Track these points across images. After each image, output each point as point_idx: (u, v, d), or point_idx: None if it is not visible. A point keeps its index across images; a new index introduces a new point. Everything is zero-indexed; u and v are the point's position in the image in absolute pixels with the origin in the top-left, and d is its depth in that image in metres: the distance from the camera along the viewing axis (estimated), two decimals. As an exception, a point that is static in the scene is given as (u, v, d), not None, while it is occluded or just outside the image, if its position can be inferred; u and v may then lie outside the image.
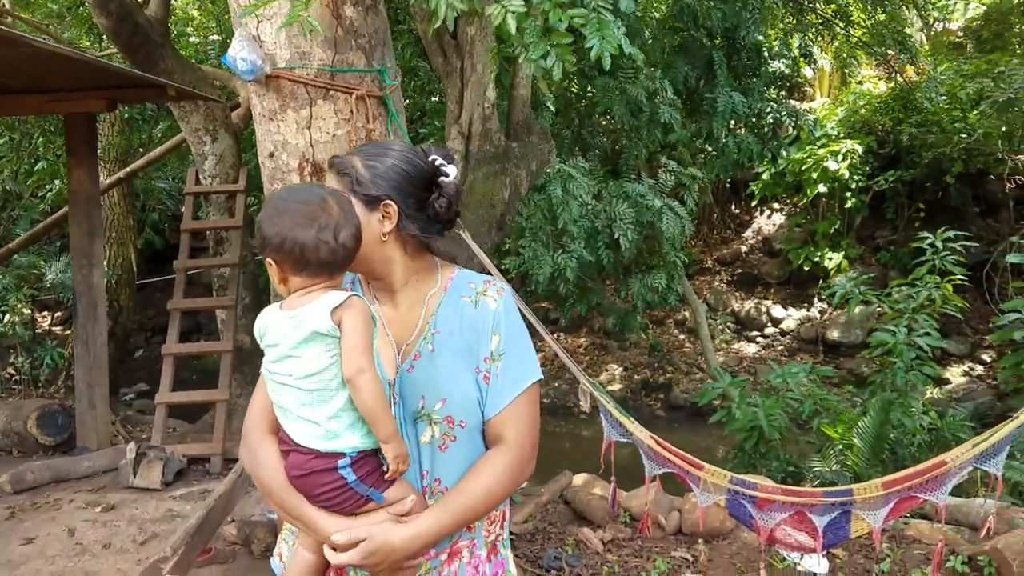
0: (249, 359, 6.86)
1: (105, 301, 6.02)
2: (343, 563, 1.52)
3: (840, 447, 6.35)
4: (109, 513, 4.80)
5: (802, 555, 3.85)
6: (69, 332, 10.66)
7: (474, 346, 1.66)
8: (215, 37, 10.99)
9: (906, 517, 4.78)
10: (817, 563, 3.79)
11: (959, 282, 6.50)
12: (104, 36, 8.42)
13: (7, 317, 9.09)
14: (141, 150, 10.23)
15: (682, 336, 13.50)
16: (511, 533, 4.62)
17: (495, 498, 1.63)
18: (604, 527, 4.73)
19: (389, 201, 1.65)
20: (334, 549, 1.54)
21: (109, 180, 8.56)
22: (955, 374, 11.70)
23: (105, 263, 8.48)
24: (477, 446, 1.67)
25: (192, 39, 11.19)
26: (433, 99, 8.78)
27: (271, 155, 4.39)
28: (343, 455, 1.53)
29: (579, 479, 5.26)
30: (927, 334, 6.33)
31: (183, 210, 6.99)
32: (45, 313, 14.15)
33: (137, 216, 11.42)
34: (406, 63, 8.11)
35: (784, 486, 3.93)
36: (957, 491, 5.84)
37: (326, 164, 1.72)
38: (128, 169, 8.75)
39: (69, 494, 5.11)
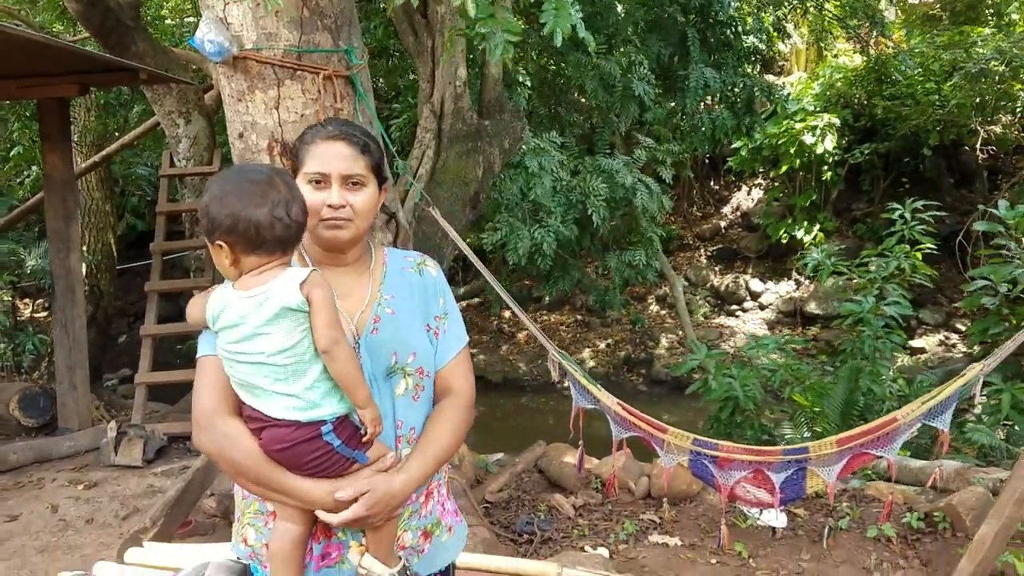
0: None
1: (83, 284, 6.08)
2: (347, 519, 1.59)
3: (811, 415, 6.50)
4: (91, 490, 4.90)
5: (761, 511, 4.00)
6: (51, 319, 10.69)
7: (424, 307, 1.83)
8: (191, 19, 10.95)
9: (868, 476, 4.94)
10: (775, 517, 3.94)
11: (932, 252, 6.62)
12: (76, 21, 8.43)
13: (-13, 304, 9.12)
14: (117, 134, 10.22)
15: (663, 312, 13.64)
16: (487, 502, 4.76)
17: (458, 441, 1.80)
18: (576, 493, 4.86)
19: (386, 184, 1.83)
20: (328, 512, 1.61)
21: (85, 164, 8.57)
22: (931, 343, 11.89)
23: (84, 249, 8.51)
24: (432, 395, 1.82)
25: (168, 21, 11.13)
26: (409, 76, 8.83)
27: (241, 136, 4.46)
28: (324, 423, 1.59)
29: (553, 449, 5.38)
30: (896, 303, 6.45)
31: (159, 193, 7.03)
32: (26, 300, 14.15)
33: (116, 202, 11.40)
34: (379, 43, 8.14)
35: (744, 446, 4.06)
36: (924, 454, 6.05)
37: (326, 133, 1.77)
38: (103, 153, 8.76)
39: (52, 473, 5.20)
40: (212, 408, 1.62)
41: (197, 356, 1.70)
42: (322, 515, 1.61)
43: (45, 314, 13.34)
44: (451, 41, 5.48)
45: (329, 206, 1.69)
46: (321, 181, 1.71)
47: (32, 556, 4.03)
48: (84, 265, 6.19)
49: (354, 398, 1.60)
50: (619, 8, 8.82)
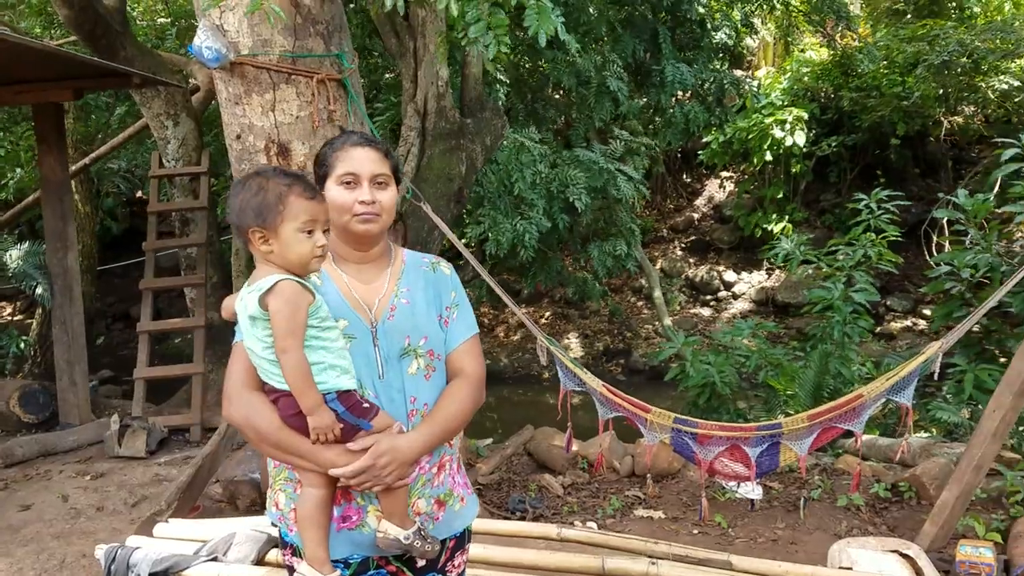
0: (220, 336, 7.09)
1: (79, 282, 6.23)
2: (356, 469, 1.78)
3: (784, 398, 6.77)
4: (99, 480, 5.07)
5: (739, 484, 4.26)
6: (31, 321, 10.72)
7: (437, 299, 2.06)
8: (163, 20, 11.00)
9: (836, 453, 5.23)
10: (752, 490, 4.20)
11: (898, 241, 6.90)
12: (62, 25, 8.53)
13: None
14: (100, 136, 10.32)
15: (639, 303, 13.91)
16: (479, 483, 4.99)
17: (465, 416, 2.01)
18: (564, 473, 5.11)
19: (400, 185, 2.09)
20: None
21: (75, 167, 8.68)
22: (899, 329, 12.25)
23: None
24: (445, 376, 2.04)
25: (140, 23, 11.19)
26: (388, 76, 9.03)
27: (238, 137, 4.67)
28: (328, 393, 1.79)
29: (541, 433, 5.62)
30: (863, 289, 6.73)
31: (146, 194, 7.17)
32: (3, 303, 14.16)
33: (93, 203, 11.44)
34: (359, 43, 8.30)
35: (721, 423, 4.32)
36: (892, 432, 6.34)
37: (353, 141, 1.99)
38: (93, 155, 8.87)
39: (58, 465, 5.36)
40: (238, 385, 1.85)
41: (234, 340, 1.92)
42: (333, 470, 1.80)
43: (23, 316, 13.35)
44: (441, 45, 5.68)
45: (361, 202, 1.93)
46: (351, 181, 1.94)
47: (49, 542, 4.20)
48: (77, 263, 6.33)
49: (301, 403, 1.77)
50: (591, 8, 9.07)
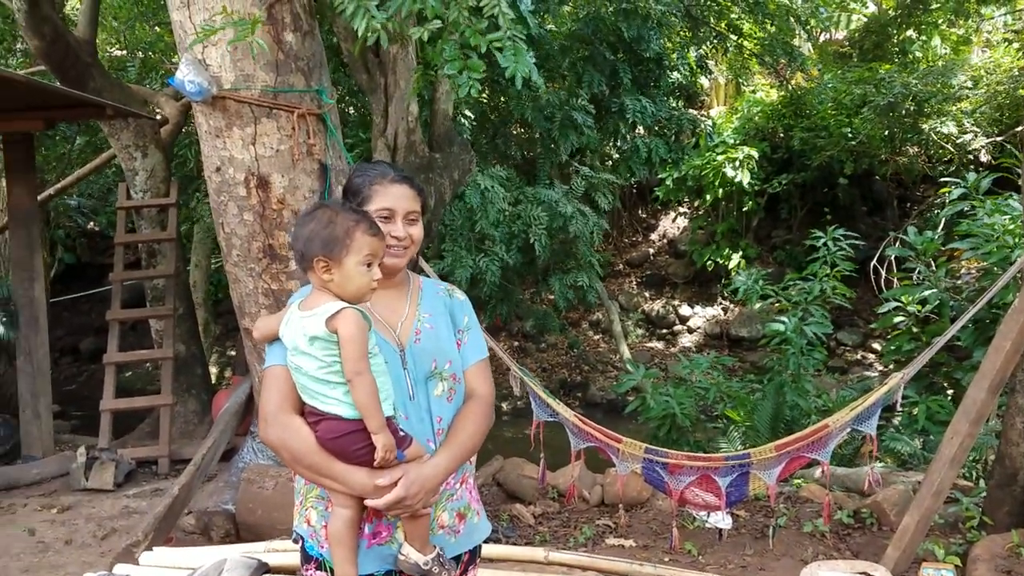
0: (185, 367, 7.05)
1: (46, 313, 6.18)
2: (390, 501, 1.86)
3: (743, 428, 6.92)
4: (66, 513, 5.00)
5: (709, 513, 4.38)
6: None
7: (452, 322, 2.17)
8: (119, 52, 10.94)
9: (801, 480, 5.38)
10: (722, 519, 4.32)
11: (849, 276, 7.14)
12: (24, 54, 8.50)
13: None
14: (56, 166, 10.22)
15: (596, 337, 14.06)
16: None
17: (482, 436, 2.11)
18: (535, 503, 5.18)
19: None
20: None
21: (40, 196, 8.60)
22: (850, 362, 12.58)
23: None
24: (463, 398, 2.14)
25: (116, 52, 11.12)
26: (352, 112, 9.13)
27: (218, 169, 4.73)
28: None
29: (510, 463, 5.68)
30: (817, 322, 6.94)
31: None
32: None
33: (44, 234, 11.27)
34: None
35: (692, 453, 4.45)
36: (848, 462, 6.52)
37: (392, 177, 2.09)
38: (60, 185, 8.82)
39: (21, 499, 5.26)
40: (277, 407, 1.92)
41: (264, 366, 2.01)
42: (369, 502, 1.88)
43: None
44: (417, 82, 5.79)
45: (395, 237, 2.03)
46: (388, 217, 2.04)
47: (17, 576, 4.15)
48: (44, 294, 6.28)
49: (369, 424, 1.85)
50: (555, 45, 9.32)
